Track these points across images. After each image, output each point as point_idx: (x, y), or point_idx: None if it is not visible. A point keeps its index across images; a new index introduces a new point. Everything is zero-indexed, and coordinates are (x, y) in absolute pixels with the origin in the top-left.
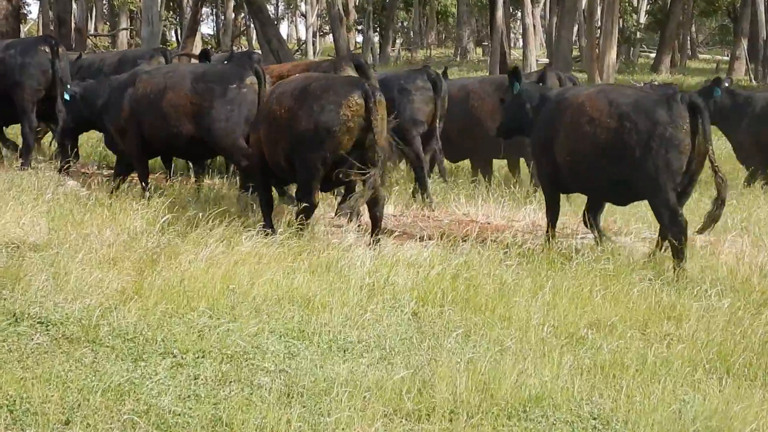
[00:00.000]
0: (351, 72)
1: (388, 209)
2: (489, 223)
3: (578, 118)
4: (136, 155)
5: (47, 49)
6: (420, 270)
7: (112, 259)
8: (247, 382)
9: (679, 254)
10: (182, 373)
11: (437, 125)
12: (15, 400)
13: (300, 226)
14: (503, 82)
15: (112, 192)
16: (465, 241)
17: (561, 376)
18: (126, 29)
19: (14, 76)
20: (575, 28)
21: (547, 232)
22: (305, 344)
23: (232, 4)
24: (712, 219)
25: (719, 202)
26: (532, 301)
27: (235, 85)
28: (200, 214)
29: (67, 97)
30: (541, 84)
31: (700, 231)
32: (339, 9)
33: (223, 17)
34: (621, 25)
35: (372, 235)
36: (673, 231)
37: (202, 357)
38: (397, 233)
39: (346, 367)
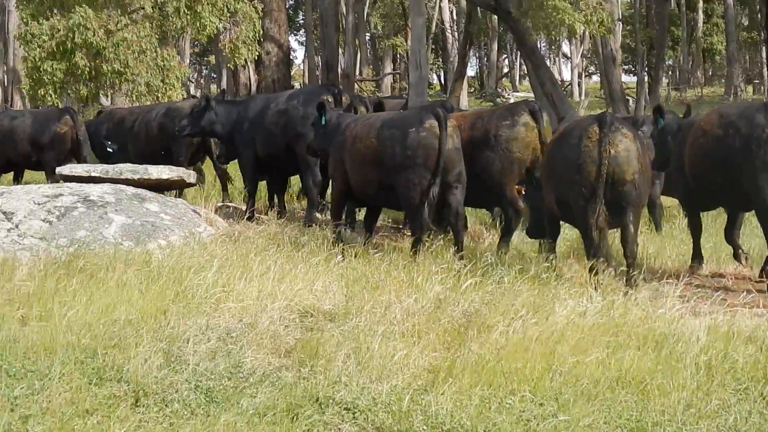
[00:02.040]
0: (528, 118)
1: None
2: None
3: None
4: (337, 202)
5: (330, 99)
6: (762, 345)
7: (416, 332)
8: None
9: None
10: None
11: None
12: None
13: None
14: None
15: (414, 253)
16: None
17: None
18: (390, 74)
19: (297, 127)
20: None
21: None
22: None
23: (496, 46)
24: None
25: None
26: None
27: (413, 129)
28: (505, 278)
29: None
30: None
31: None
32: (611, 49)
33: (486, 60)
34: None
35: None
36: None
37: None
38: (721, 297)
39: None
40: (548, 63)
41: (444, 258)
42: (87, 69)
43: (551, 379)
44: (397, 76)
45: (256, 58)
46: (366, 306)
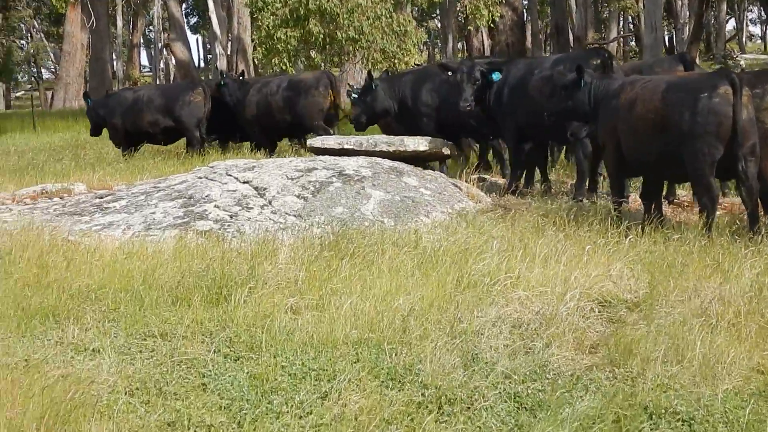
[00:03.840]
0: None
1: None
2: None
3: None
4: (615, 175)
5: (600, 63)
6: None
7: (734, 326)
8: None
9: None
10: None
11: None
12: None
13: None
14: None
15: (707, 231)
16: None
17: None
18: (620, 37)
19: None
20: None
21: None
22: None
23: (724, 7)
24: None
25: None
26: None
27: (706, 95)
28: None
29: None
30: None
31: None
32: None
33: (714, 21)
34: None
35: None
36: None
37: None
38: None
39: None
40: None
41: (752, 239)
42: (321, 36)
43: None
44: (625, 39)
45: (498, 19)
46: (671, 295)
